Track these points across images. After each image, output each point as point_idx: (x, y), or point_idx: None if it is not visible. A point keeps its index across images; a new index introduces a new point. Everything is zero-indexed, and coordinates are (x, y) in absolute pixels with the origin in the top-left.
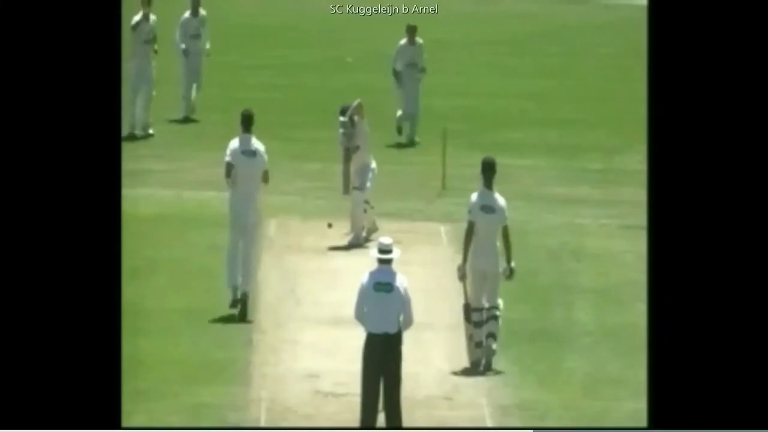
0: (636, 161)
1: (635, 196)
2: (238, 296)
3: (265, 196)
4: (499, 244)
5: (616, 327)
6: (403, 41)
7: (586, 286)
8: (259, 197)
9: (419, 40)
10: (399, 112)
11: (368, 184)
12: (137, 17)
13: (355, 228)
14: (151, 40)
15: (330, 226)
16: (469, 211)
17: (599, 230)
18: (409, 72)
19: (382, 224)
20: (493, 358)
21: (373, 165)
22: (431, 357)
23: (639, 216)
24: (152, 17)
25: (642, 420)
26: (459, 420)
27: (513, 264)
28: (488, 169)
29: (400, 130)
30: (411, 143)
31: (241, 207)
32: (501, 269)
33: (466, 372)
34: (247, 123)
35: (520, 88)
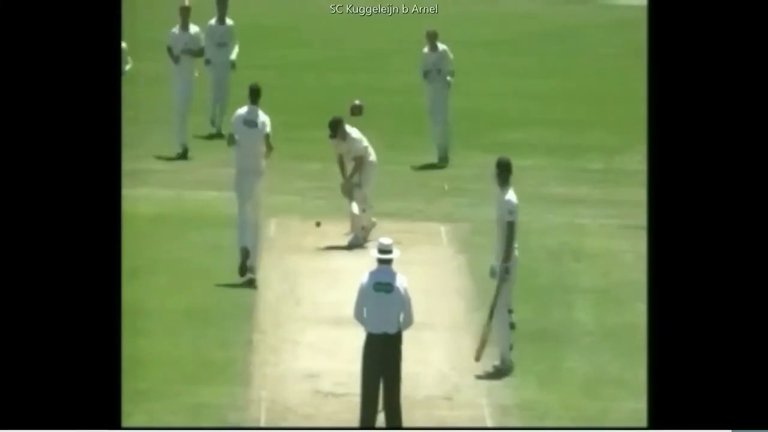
0: (636, 161)
1: (635, 196)
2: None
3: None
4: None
5: (616, 327)
6: (425, 48)
7: (586, 286)
8: (261, 163)
9: (441, 46)
10: (428, 119)
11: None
12: (175, 29)
13: (355, 228)
14: (191, 51)
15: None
16: (511, 212)
17: (599, 230)
18: (433, 78)
19: (382, 224)
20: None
21: (372, 158)
22: (431, 357)
23: (639, 216)
24: (193, 27)
25: (642, 420)
26: (459, 420)
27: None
28: (506, 169)
29: (443, 155)
30: (443, 160)
31: (244, 174)
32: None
33: (466, 372)
34: (254, 95)
35: (520, 88)
